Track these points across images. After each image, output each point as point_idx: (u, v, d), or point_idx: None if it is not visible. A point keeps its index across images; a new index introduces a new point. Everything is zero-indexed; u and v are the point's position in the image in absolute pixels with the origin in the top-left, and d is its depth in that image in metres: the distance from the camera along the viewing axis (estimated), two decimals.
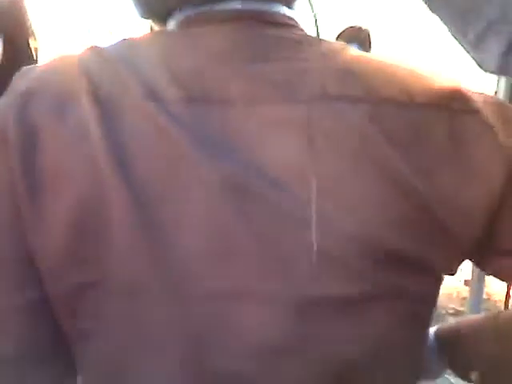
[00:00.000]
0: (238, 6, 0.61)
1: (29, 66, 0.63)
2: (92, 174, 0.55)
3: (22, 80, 0.60)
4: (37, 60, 1.22)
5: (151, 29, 0.73)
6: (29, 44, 1.20)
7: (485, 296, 3.15)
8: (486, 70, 0.67)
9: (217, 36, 0.60)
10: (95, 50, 0.61)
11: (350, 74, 0.59)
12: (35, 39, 1.20)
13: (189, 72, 0.58)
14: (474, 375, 0.81)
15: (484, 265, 0.65)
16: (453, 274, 0.64)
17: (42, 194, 0.56)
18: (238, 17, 0.61)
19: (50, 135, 0.56)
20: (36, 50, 1.21)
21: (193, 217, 0.55)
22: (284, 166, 0.56)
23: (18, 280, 0.59)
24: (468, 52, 0.68)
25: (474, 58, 0.67)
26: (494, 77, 2.14)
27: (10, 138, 0.56)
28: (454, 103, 0.58)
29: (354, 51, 0.62)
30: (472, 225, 0.59)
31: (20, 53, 1.19)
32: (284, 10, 0.63)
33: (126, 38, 0.64)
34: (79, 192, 0.55)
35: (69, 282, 0.57)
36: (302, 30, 0.64)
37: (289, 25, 0.63)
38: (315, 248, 0.54)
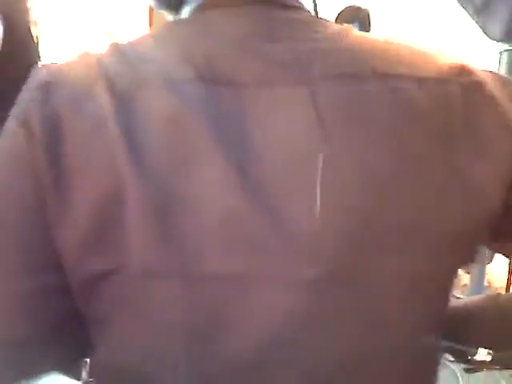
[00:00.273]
0: None
1: (47, 63, 0.64)
2: (109, 168, 0.56)
3: (40, 75, 0.61)
4: (38, 47, 1.22)
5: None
6: (30, 31, 1.20)
7: (485, 283, 3.16)
8: (491, 38, 0.67)
9: (230, 19, 0.62)
10: (113, 46, 0.63)
11: (358, 53, 0.60)
12: (36, 26, 1.20)
13: (204, 57, 0.59)
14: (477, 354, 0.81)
15: (497, 246, 0.65)
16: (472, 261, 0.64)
17: (66, 185, 0.57)
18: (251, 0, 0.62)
19: (70, 127, 0.58)
20: (37, 37, 1.21)
21: (206, 202, 0.56)
22: (295, 146, 0.57)
23: (36, 265, 0.60)
24: (474, 18, 0.68)
25: (479, 25, 0.67)
26: (496, 58, 2.14)
27: (35, 131, 0.58)
28: (461, 77, 0.59)
29: (358, 32, 0.63)
30: (486, 203, 0.59)
31: (21, 39, 1.18)
32: None
33: (143, 34, 0.66)
34: (97, 184, 0.56)
35: (88, 270, 0.58)
36: (308, 11, 0.65)
37: (297, 7, 0.64)
38: (318, 224, 0.55)
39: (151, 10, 2.74)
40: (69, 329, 0.62)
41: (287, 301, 0.56)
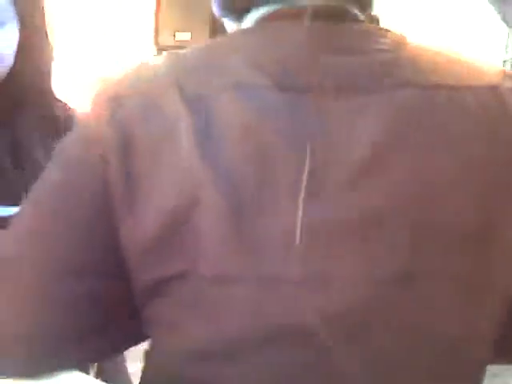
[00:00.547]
0: (314, 2, 0.65)
1: (110, 77, 0.66)
2: (183, 174, 0.59)
3: (107, 88, 0.64)
4: (53, 51, 1.23)
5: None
6: (47, 34, 1.21)
7: None
8: (510, 26, 0.69)
9: (297, 29, 0.64)
10: (173, 54, 0.66)
11: (417, 64, 0.64)
12: (51, 30, 1.21)
13: (277, 65, 0.62)
14: None
15: None
16: None
17: (138, 192, 0.59)
18: (315, 12, 0.65)
19: (141, 137, 0.60)
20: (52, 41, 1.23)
21: (284, 208, 0.58)
22: (371, 156, 0.59)
23: (97, 268, 0.62)
24: (493, 6, 0.70)
25: (498, 13, 0.69)
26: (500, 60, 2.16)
27: (106, 144, 0.60)
28: (506, 83, 0.63)
29: (412, 42, 0.67)
30: None
31: (38, 44, 1.19)
32: (351, 8, 0.68)
33: (206, 41, 0.69)
34: (170, 190, 0.59)
35: (156, 273, 0.60)
36: (367, 23, 0.69)
37: (359, 20, 0.68)
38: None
39: None
40: (109, 330, 0.65)
41: (357, 301, 0.58)
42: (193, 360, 0.61)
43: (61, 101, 1.26)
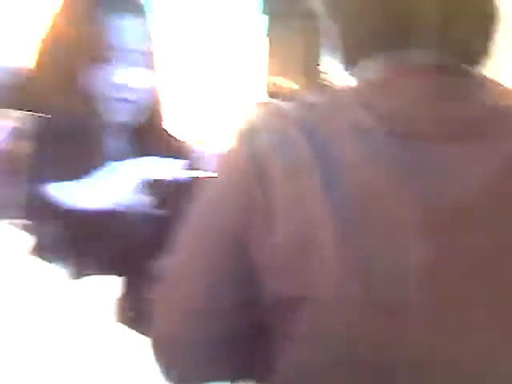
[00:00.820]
0: (429, 57, 0.71)
1: (247, 116, 0.75)
2: (307, 204, 0.65)
3: (244, 125, 0.72)
4: None
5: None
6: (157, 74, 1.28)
7: None
8: None
9: (411, 82, 0.70)
10: (300, 100, 0.73)
11: None
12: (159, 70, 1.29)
13: (390, 111, 0.68)
14: None
15: None
16: None
17: (271, 215, 0.66)
18: (431, 67, 0.70)
19: (273, 166, 0.67)
20: None
21: (394, 246, 0.63)
22: (475, 204, 0.63)
23: (235, 284, 0.69)
24: None
25: None
26: None
27: (248, 169, 0.68)
28: None
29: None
30: None
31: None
32: (461, 63, 0.72)
33: (328, 90, 0.77)
34: (297, 217, 0.65)
35: (279, 294, 0.66)
36: (477, 77, 0.72)
37: (471, 74, 0.72)
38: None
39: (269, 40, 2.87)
40: (256, 344, 0.70)
41: (471, 344, 0.62)
42: (307, 381, 0.64)
43: (176, 138, 1.35)
